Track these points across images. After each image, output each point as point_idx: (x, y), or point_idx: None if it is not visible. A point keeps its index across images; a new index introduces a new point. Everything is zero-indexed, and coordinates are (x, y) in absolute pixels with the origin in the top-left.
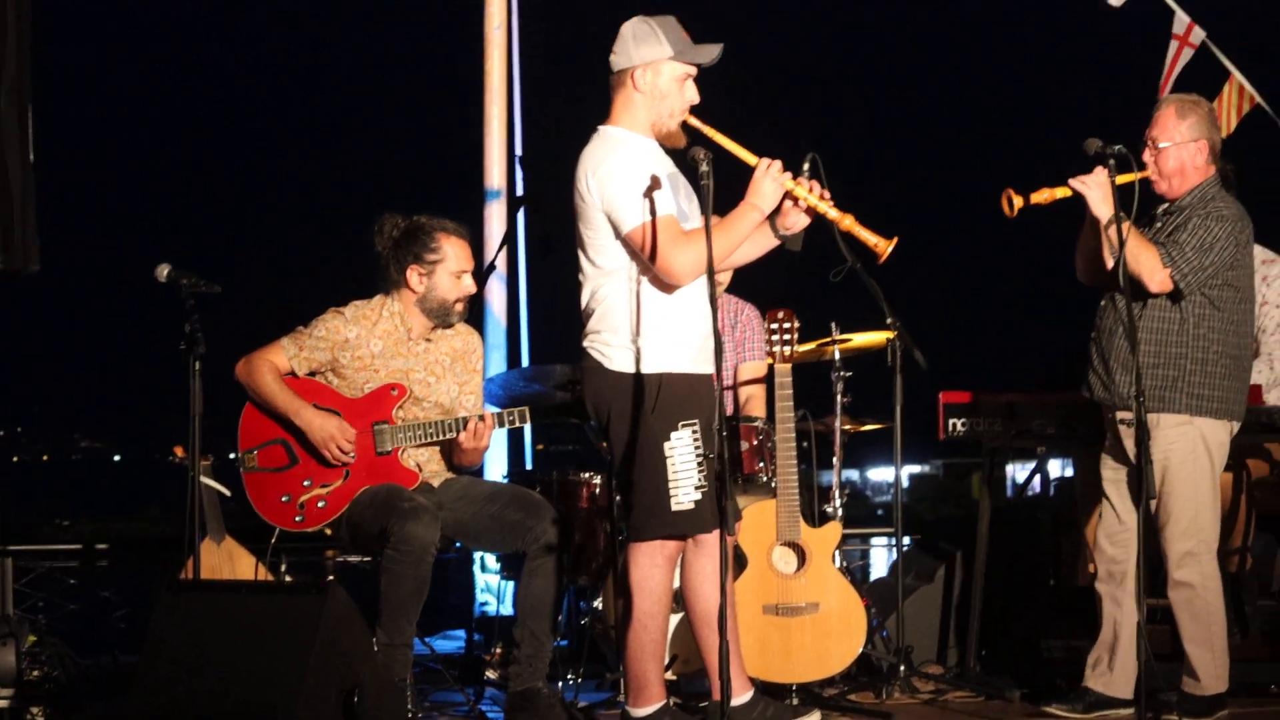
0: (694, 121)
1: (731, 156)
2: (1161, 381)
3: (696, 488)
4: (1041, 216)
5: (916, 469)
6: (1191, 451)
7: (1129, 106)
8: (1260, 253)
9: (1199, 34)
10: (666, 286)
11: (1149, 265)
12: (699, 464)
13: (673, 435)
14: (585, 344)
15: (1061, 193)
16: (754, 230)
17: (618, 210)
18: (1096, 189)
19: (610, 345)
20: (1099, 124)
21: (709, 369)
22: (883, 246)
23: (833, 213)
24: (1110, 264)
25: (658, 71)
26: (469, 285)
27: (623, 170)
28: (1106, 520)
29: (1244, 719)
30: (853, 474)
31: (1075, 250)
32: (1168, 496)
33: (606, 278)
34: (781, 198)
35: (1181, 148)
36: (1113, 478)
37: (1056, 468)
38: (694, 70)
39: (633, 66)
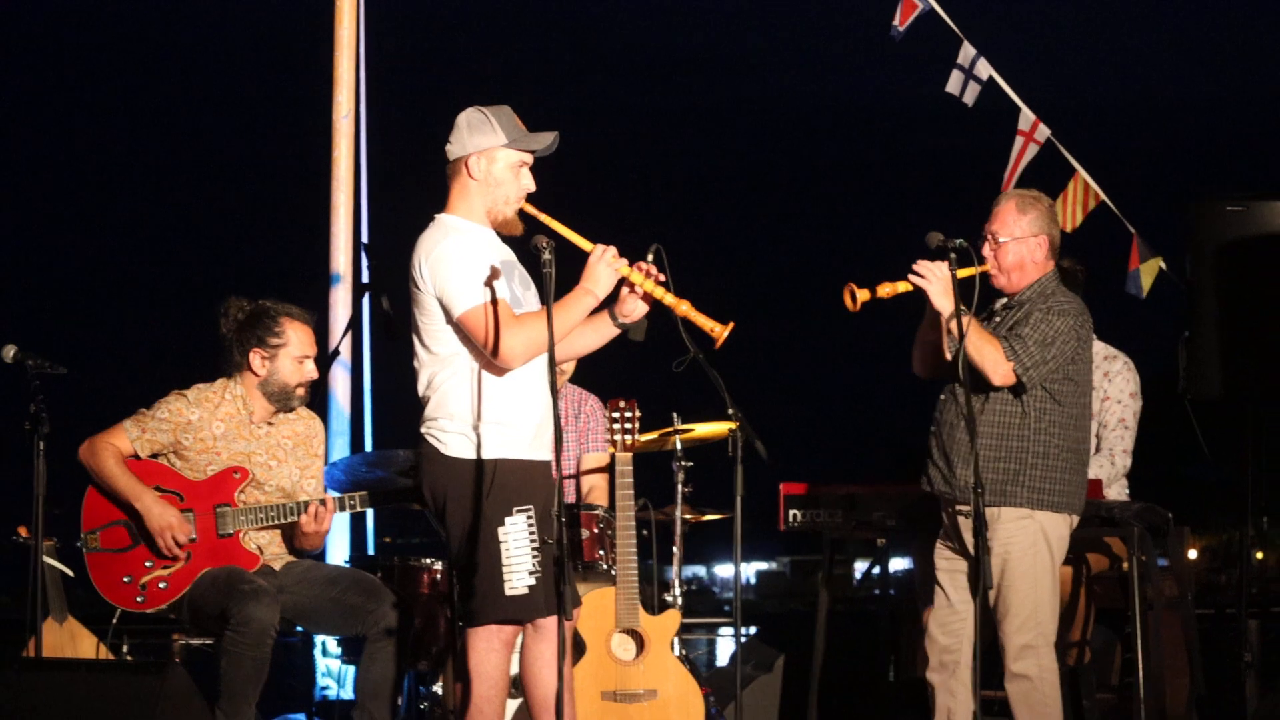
0: (530, 209)
1: (570, 245)
2: (1003, 475)
3: (530, 573)
4: (882, 310)
5: (764, 565)
6: (1032, 545)
7: (972, 200)
8: (1102, 348)
9: (1044, 131)
10: (501, 372)
11: (992, 358)
12: (533, 549)
13: (507, 520)
14: (422, 430)
15: (903, 286)
16: (587, 315)
17: (449, 295)
18: (937, 283)
19: (446, 431)
20: (941, 217)
21: (546, 455)
22: (719, 331)
23: (669, 298)
24: (949, 356)
25: (492, 159)
26: (311, 370)
27: (454, 256)
28: (939, 609)
29: None
30: (699, 569)
31: (913, 343)
32: (1007, 589)
33: (442, 364)
34: (618, 284)
35: (1021, 243)
36: (947, 568)
37: (899, 563)
38: (529, 158)
39: (467, 154)
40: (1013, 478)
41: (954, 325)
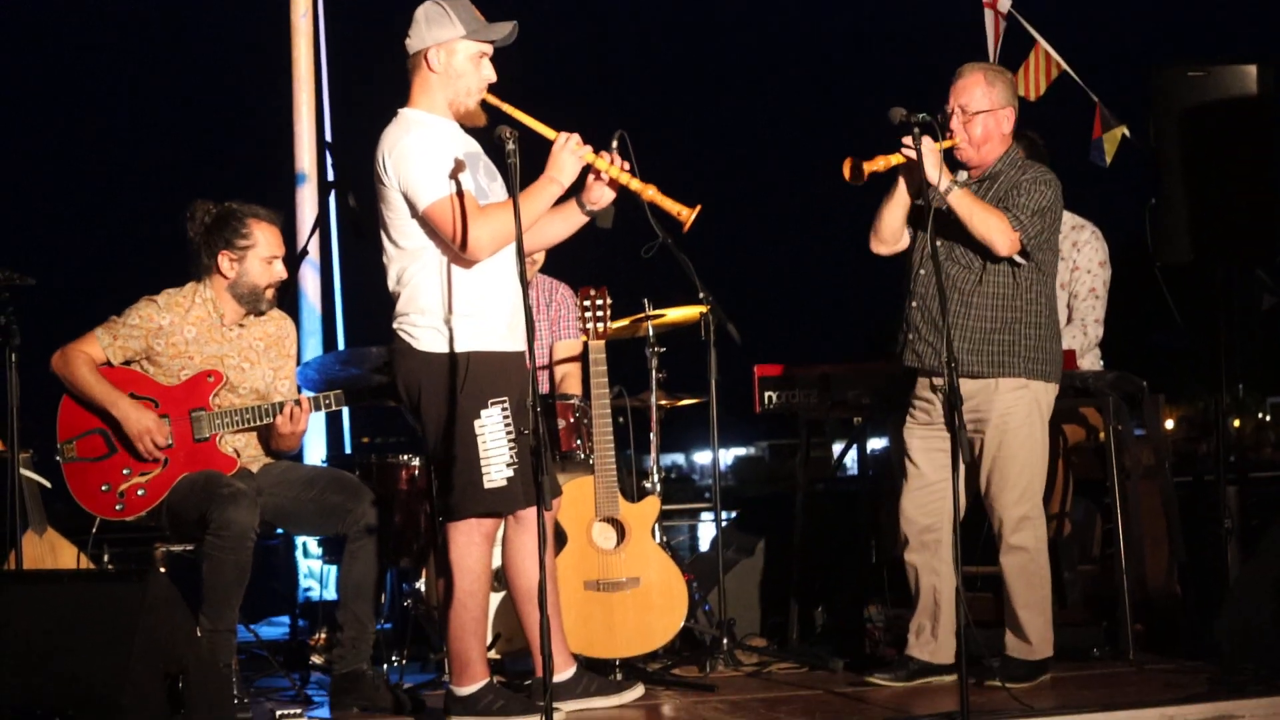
0: (492, 99)
1: (535, 134)
2: (999, 346)
3: (508, 464)
4: (849, 187)
5: (742, 451)
6: (1028, 415)
7: (933, 76)
8: (1070, 218)
9: (1005, 2)
10: (470, 264)
11: (998, 228)
12: (510, 441)
13: (482, 413)
14: (394, 326)
15: (895, 159)
16: (553, 203)
17: (413, 189)
18: (930, 154)
19: (418, 326)
20: (905, 94)
21: (520, 346)
22: (686, 214)
23: (634, 184)
24: (915, 233)
25: (451, 51)
26: (280, 271)
27: (417, 149)
28: (915, 490)
29: (1066, 683)
30: (678, 457)
31: (876, 221)
32: (1006, 461)
33: (410, 258)
34: (583, 171)
35: (991, 115)
36: (922, 446)
37: (877, 443)
38: (489, 49)
39: (426, 48)
40: (1008, 348)
41: (951, 199)
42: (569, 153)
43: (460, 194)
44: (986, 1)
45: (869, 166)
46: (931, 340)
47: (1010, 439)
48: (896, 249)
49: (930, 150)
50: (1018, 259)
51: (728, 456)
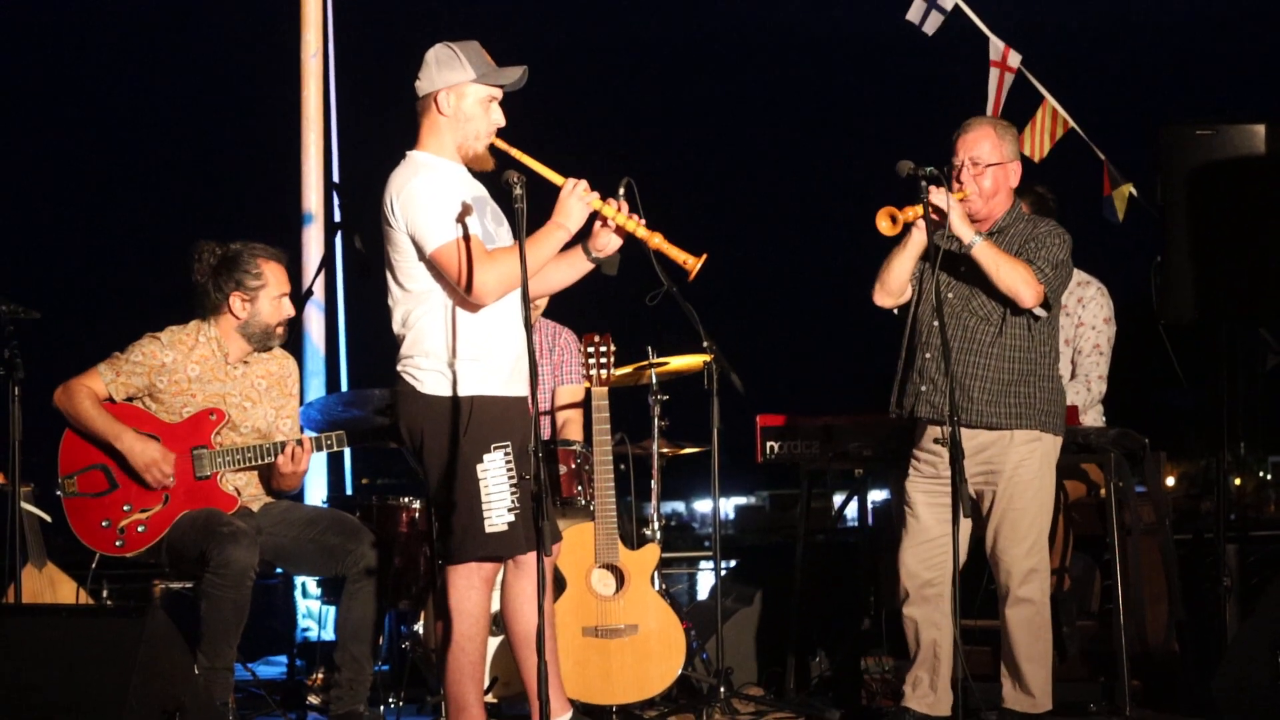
0: (501, 144)
1: (542, 180)
2: (1018, 399)
3: (510, 509)
4: (860, 238)
5: (743, 500)
6: (1040, 468)
7: (938, 130)
8: (1076, 274)
9: (1016, 57)
10: (475, 308)
11: (1025, 279)
12: (512, 486)
13: (485, 458)
14: (398, 368)
15: (922, 210)
16: (559, 249)
17: (421, 232)
18: (955, 206)
19: (422, 369)
20: (911, 147)
21: (523, 391)
22: (692, 263)
23: (641, 231)
24: (920, 285)
25: (461, 94)
26: (288, 308)
27: (425, 193)
28: (917, 543)
29: None
30: (679, 506)
31: (882, 274)
32: (1017, 514)
33: (416, 301)
34: (590, 218)
35: (1001, 168)
36: (926, 500)
37: (877, 495)
38: (498, 93)
39: (436, 90)
40: (1025, 400)
41: (975, 252)
42: (576, 199)
43: (467, 238)
44: (995, 60)
45: (903, 216)
46: (946, 391)
47: (1023, 491)
48: (900, 301)
49: (954, 202)
50: (1038, 311)
51: (729, 506)
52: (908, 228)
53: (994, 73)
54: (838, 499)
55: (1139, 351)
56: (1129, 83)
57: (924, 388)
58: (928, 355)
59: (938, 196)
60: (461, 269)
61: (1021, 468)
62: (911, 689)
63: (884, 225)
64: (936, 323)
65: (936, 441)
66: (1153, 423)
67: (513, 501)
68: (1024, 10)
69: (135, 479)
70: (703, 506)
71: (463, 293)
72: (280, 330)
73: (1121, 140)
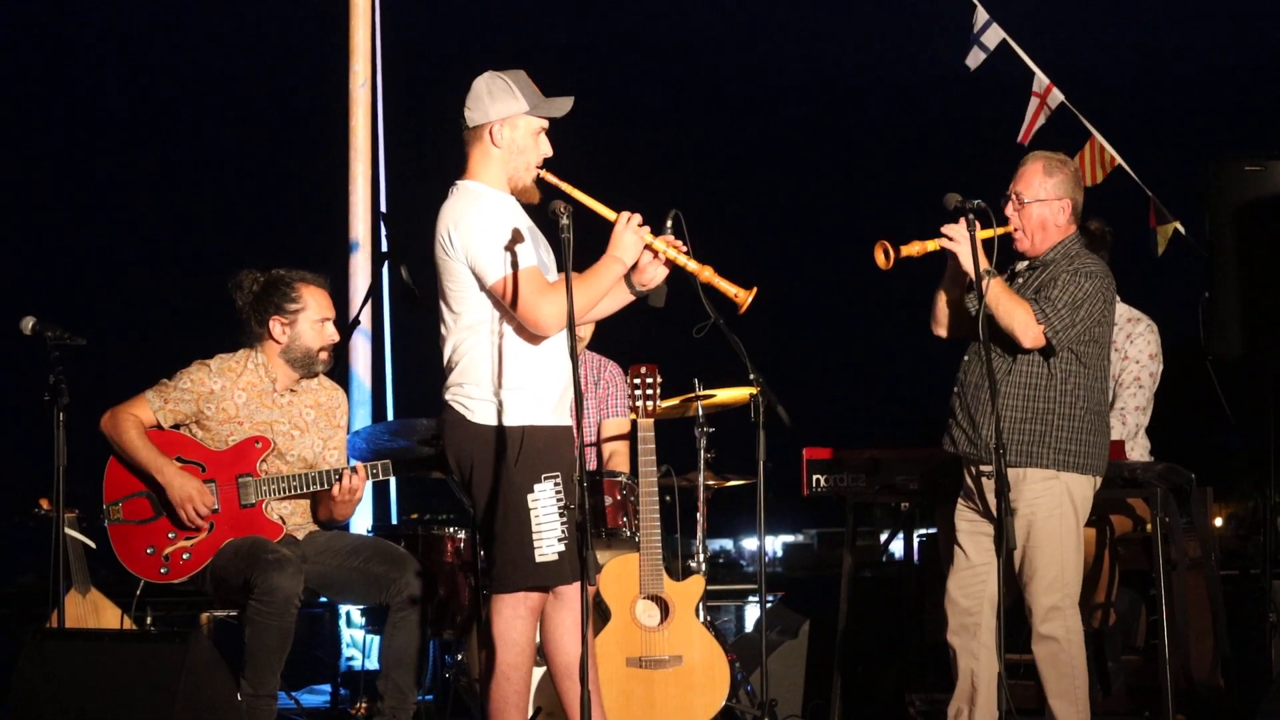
0: (549, 176)
1: (592, 212)
2: (1028, 436)
3: (560, 539)
4: (904, 271)
5: (790, 538)
6: (1058, 506)
7: (989, 164)
8: (1125, 310)
9: (1057, 96)
10: (530, 339)
11: (1022, 320)
12: (562, 516)
13: (535, 487)
14: (447, 397)
15: (932, 245)
16: (614, 282)
17: (482, 263)
18: (964, 243)
19: (472, 398)
20: (958, 183)
21: (569, 421)
22: (743, 297)
23: (692, 264)
24: (974, 314)
25: (514, 126)
26: (332, 333)
27: (485, 223)
28: (960, 571)
29: None
30: (727, 543)
31: (933, 304)
32: (1033, 551)
33: (469, 331)
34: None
35: (1045, 205)
36: (969, 529)
37: (925, 530)
38: (547, 124)
39: (490, 122)
40: (1038, 439)
41: (983, 287)
42: (631, 232)
43: (528, 269)
44: (1036, 93)
45: (905, 251)
46: (966, 426)
47: (1038, 529)
48: (955, 334)
49: (965, 238)
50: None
51: (777, 544)
52: (940, 258)
53: (1033, 103)
54: (884, 535)
55: (1188, 390)
56: (1175, 122)
57: (949, 421)
58: (955, 389)
59: (950, 231)
60: (525, 299)
61: (1036, 505)
62: None
63: (880, 258)
64: (966, 357)
65: (972, 476)
66: (1201, 463)
67: (563, 531)
68: (1071, 51)
69: None
70: (750, 544)
71: (524, 323)
72: (324, 356)
73: (1168, 178)
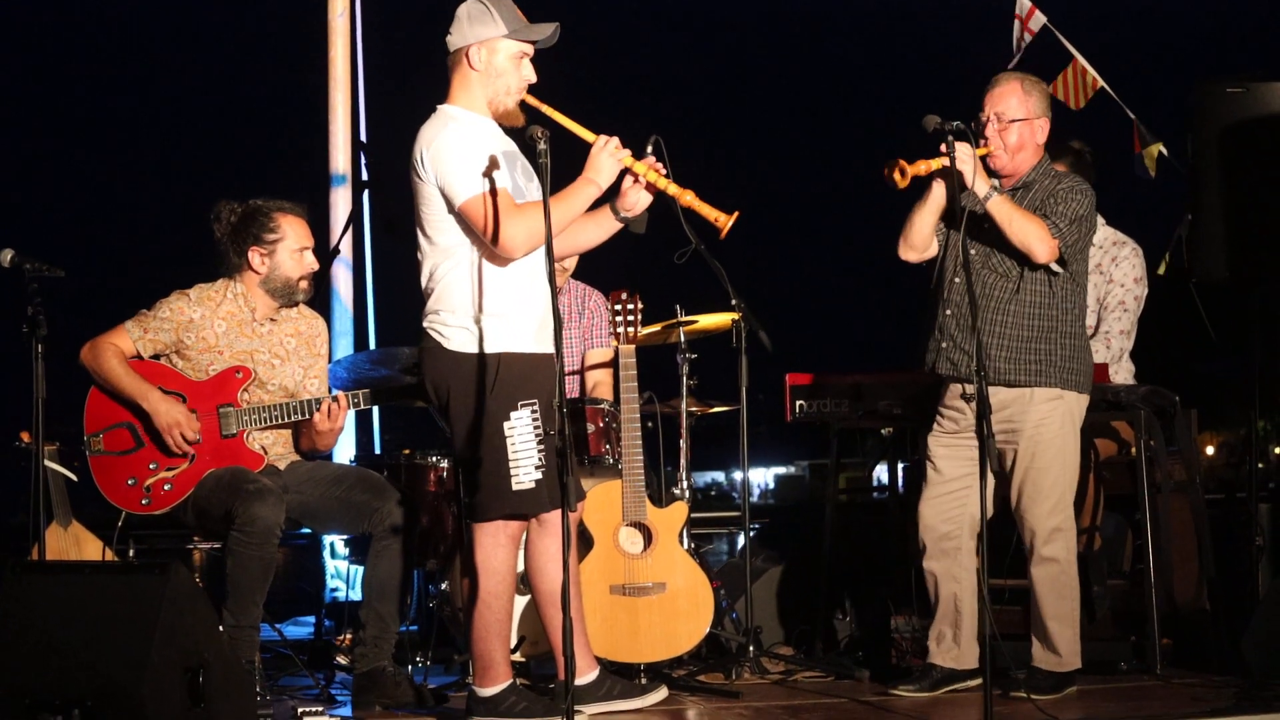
0: (532, 100)
1: (572, 136)
2: (1037, 355)
3: (536, 467)
4: (881, 192)
5: (782, 470)
6: (1062, 426)
7: (966, 89)
8: (1110, 233)
9: (1039, 19)
10: (504, 264)
11: (1038, 234)
12: (538, 443)
13: (512, 415)
14: (424, 324)
15: (936, 164)
16: (589, 205)
17: (451, 184)
18: (969, 160)
19: (449, 325)
20: (936, 103)
21: (549, 348)
22: (723, 221)
23: (672, 188)
24: (946, 240)
25: (493, 50)
26: (311, 261)
27: (455, 145)
28: (936, 496)
29: (1092, 696)
30: (718, 476)
31: (906, 227)
32: (1039, 473)
33: (444, 256)
34: (620, 175)
35: (1026, 124)
36: (947, 453)
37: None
38: (530, 49)
39: (468, 45)
40: (1045, 357)
41: (990, 205)
42: (608, 155)
43: (496, 191)
44: (1018, 15)
45: (913, 169)
46: (967, 348)
47: (1045, 450)
48: (925, 256)
49: (969, 156)
50: (1055, 267)
51: (769, 475)
52: (926, 181)
53: (1016, 25)
54: (873, 465)
55: (1172, 316)
56: (1157, 44)
57: (944, 344)
58: (948, 312)
59: (957, 150)
60: (490, 221)
61: (1043, 426)
62: (936, 644)
63: (894, 177)
64: (957, 279)
65: (962, 398)
66: (1190, 390)
67: (539, 459)
68: None
69: (161, 438)
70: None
71: (491, 246)
72: (304, 285)
73: (1150, 99)
